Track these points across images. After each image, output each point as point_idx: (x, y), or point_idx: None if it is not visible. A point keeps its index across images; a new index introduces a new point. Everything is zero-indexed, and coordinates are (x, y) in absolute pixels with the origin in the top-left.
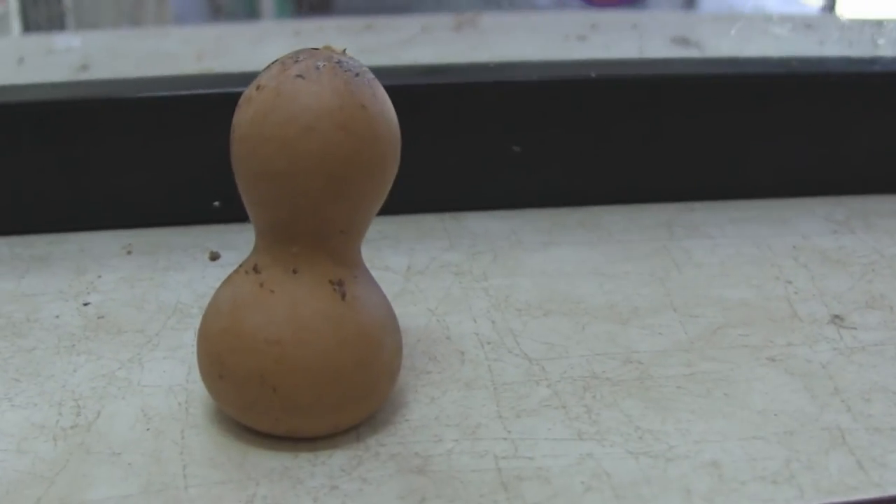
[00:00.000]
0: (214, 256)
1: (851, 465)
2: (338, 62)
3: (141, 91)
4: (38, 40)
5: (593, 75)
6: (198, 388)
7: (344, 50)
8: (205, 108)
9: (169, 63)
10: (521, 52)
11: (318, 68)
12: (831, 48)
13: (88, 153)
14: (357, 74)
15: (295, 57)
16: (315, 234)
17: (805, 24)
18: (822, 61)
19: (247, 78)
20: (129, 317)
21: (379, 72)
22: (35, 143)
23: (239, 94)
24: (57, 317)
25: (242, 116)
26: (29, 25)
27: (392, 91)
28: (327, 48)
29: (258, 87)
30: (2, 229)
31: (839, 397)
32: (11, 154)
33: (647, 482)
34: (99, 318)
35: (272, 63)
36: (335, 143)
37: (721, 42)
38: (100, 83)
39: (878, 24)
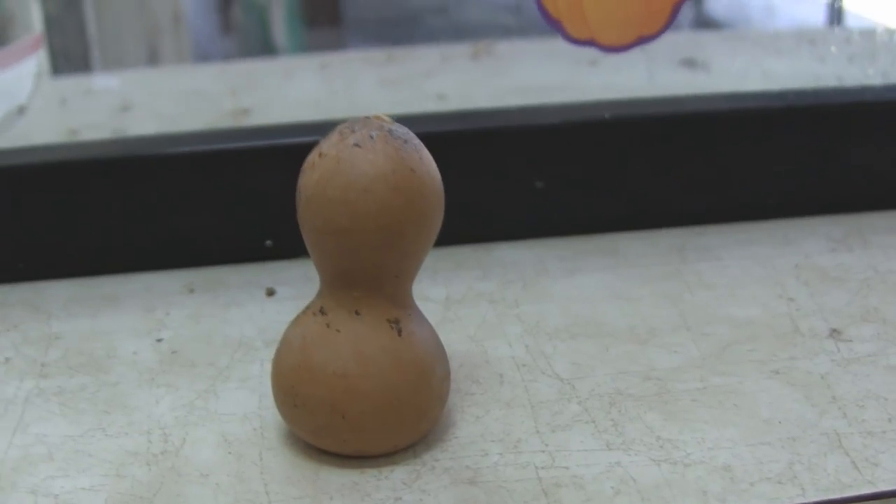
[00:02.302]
0: (270, 292)
1: (847, 466)
2: (388, 131)
3: (196, 145)
4: (75, 81)
5: (607, 116)
6: (269, 414)
7: (392, 120)
8: (254, 159)
9: (205, 100)
10: (536, 78)
11: (371, 137)
12: (832, 64)
13: (149, 200)
14: (406, 141)
15: (351, 127)
16: (373, 280)
17: (807, 38)
18: (816, 93)
19: (291, 130)
20: (200, 351)
21: (414, 120)
22: (100, 193)
23: (281, 147)
24: (134, 353)
25: (308, 180)
26: (55, 56)
27: (428, 136)
28: (378, 118)
29: (320, 155)
30: (72, 271)
31: (836, 405)
32: (79, 203)
33: (669, 485)
34: (172, 352)
35: (331, 132)
36: (389, 202)
37: (727, 62)
38: (158, 138)
39: (873, 34)
